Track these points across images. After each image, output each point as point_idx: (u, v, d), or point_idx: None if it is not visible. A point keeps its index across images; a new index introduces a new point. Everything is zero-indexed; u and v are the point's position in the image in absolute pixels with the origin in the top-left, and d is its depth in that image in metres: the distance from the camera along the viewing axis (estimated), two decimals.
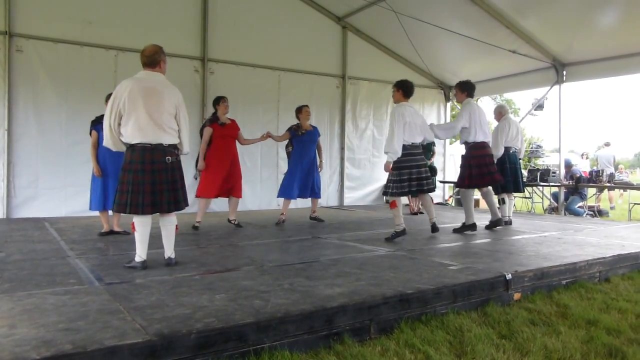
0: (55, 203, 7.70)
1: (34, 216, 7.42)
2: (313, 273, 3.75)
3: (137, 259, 3.88)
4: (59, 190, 7.74)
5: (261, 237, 5.84)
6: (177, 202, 3.98)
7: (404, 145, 5.49)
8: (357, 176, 10.93)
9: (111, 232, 5.74)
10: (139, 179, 3.81)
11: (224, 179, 6.43)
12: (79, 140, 7.45)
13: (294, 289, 3.22)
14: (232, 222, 6.66)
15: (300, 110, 7.26)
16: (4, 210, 7.39)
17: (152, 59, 3.91)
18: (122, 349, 2.19)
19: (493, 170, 6.22)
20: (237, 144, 6.69)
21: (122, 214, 5.12)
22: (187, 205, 4.10)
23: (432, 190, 5.85)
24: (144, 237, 3.90)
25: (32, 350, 2.11)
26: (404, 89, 5.72)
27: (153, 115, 3.79)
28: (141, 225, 3.88)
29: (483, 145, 6.19)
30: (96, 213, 5.88)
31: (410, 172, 5.54)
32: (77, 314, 2.63)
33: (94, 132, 5.63)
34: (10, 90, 7.42)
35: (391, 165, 5.53)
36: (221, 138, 6.43)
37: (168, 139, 3.89)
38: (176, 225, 4.08)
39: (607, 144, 13.18)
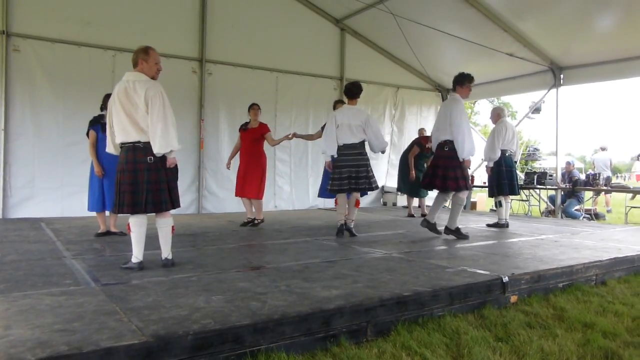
0: (52, 203, 7.69)
1: (30, 216, 7.39)
2: (310, 275, 3.75)
3: (134, 259, 3.87)
4: (56, 191, 7.72)
5: (258, 239, 5.83)
6: (158, 203, 3.88)
7: (338, 147, 5.80)
8: None
9: (108, 233, 5.72)
10: (124, 178, 3.83)
11: (240, 179, 6.90)
12: (75, 141, 7.45)
13: (291, 291, 3.21)
14: (248, 220, 6.96)
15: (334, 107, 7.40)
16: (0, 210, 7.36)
17: (133, 59, 3.95)
18: (118, 350, 2.18)
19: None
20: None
21: (119, 215, 5.16)
22: (175, 206, 4.00)
23: (363, 190, 5.97)
24: (140, 237, 3.89)
25: (28, 351, 2.10)
26: (345, 91, 6.03)
27: (130, 114, 3.80)
28: (137, 226, 3.87)
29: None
30: (93, 213, 5.86)
31: (341, 172, 5.77)
32: (73, 315, 2.62)
33: (92, 132, 5.63)
34: (7, 90, 7.41)
35: (331, 164, 5.92)
36: (242, 141, 7.00)
37: (147, 138, 3.82)
38: (172, 227, 4.06)
39: (604, 148, 13.23)
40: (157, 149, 3.79)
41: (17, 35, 7.49)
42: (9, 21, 7.41)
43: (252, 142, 6.90)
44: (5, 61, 7.37)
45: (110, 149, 4.07)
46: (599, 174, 10.16)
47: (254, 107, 6.99)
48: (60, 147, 7.75)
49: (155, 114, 3.77)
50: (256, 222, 6.87)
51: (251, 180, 6.82)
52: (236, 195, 7.05)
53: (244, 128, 6.99)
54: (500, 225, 7.06)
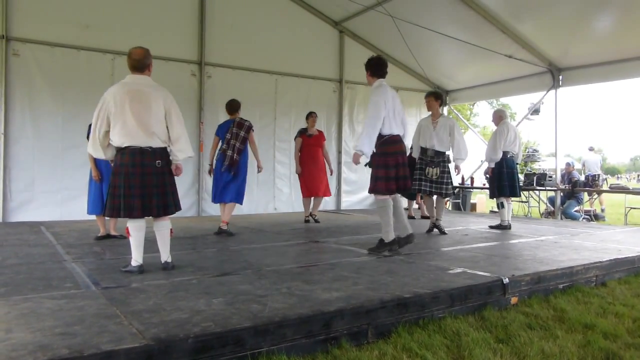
0: (52, 207, 7.68)
1: (30, 220, 7.38)
2: (310, 277, 3.75)
3: (134, 263, 3.87)
4: (55, 194, 7.72)
5: (258, 241, 5.82)
6: (166, 206, 3.92)
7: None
8: (354, 180, 10.95)
9: (108, 236, 5.72)
10: (130, 182, 3.80)
11: (313, 181, 7.69)
12: (75, 144, 7.45)
13: (292, 293, 3.21)
14: (313, 217, 7.85)
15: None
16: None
17: (142, 63, 3.88)
18: (118, 354, 2.18)
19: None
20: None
21: (118, 218, 5.14)
22: (178, 209, 4.03)
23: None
24: (139, 241, 3.88)
25: (29, 354, 2.10)
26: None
27: (141, 118, 3.76)
28: (135, 230, 3.87)
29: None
30: (93, 217, 5.86)
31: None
32: (74, 319, 2.62)
33: None
34: (7, 94, 7.41)
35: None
36: (308, 147, 7.75)
37: (157, 143, 3.84)
38: (171, 230, 4.07)
39: (592, 149, 13.27)
40: (182, 156, 3.94)
41: (17, 40, 7.49)
42: (9, 25, 7.42)
43: (319, 147, 7.83)
44: (4, 65, 7.37)
45: (98, 151, 3.90)
46: (598, 175, 10.18)
47: (312, 116, 7.81)
48: (59, 151, 7.75)
49: (178, 122, 3.91)
50: (315, 217, 7.84)
51: (324, 181, 7.81)
52: (310, 196, 7.79)
53: (308, 135, 7.74)
54: (502, 227, 7.07)
